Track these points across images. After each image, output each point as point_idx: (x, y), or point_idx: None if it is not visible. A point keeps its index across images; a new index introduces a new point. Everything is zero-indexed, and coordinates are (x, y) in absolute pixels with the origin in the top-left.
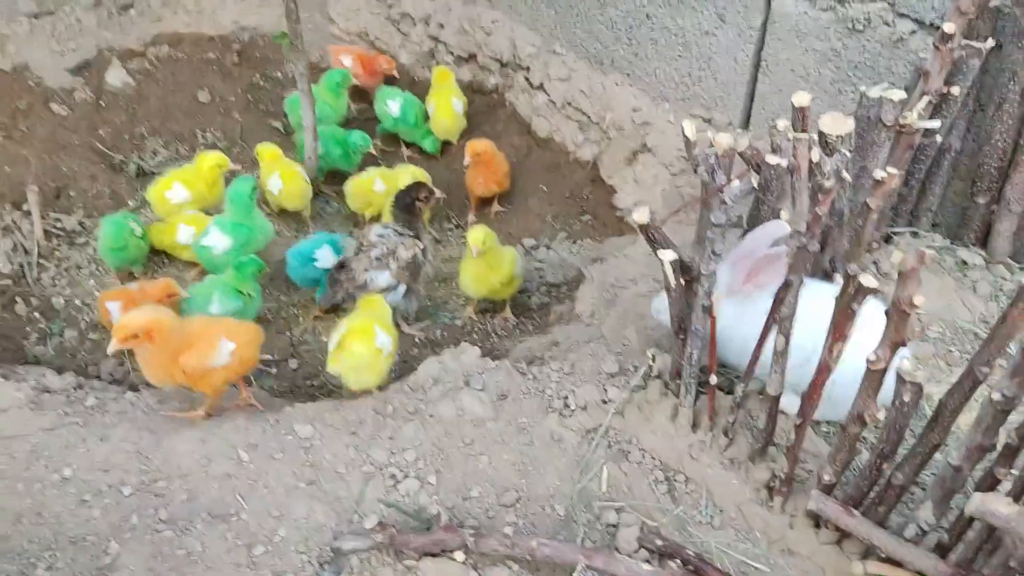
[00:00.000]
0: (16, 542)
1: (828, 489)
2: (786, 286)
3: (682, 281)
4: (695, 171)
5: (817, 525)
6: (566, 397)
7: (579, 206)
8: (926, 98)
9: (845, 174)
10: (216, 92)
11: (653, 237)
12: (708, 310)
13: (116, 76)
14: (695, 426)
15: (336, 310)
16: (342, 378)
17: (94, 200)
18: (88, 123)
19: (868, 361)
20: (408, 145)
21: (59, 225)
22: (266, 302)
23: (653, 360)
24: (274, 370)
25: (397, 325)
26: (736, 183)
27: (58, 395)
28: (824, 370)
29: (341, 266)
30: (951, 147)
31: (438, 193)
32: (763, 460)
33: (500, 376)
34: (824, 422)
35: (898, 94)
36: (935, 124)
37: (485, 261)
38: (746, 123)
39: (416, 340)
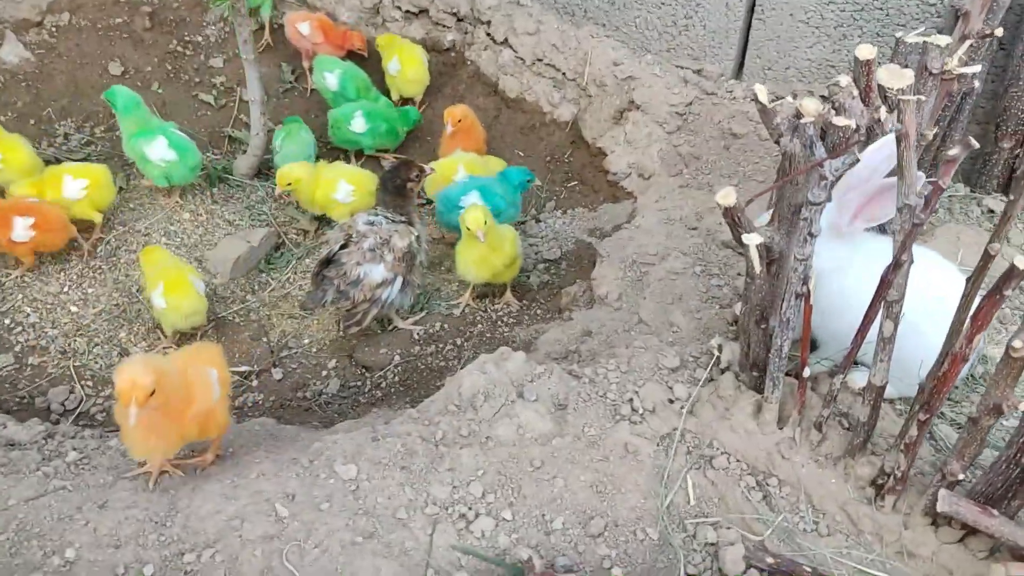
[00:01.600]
0: None
1: (953, 486)
2: (896, 266)
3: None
4: (777, 142)
5: (935, 523)
6: (630, 400)
7: (563, 171)
8: (968, 41)
9: (927, 132)
10: (129, 63)
11: (737, 220)
12: (803, 297)
13: (12, 51)
14: (780, 422)
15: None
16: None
17: (4, 196)
18: None
19: (1012, 348)
20: None
21: None
22: (232, 304)
23: (719, 351)
24: (255, 382)
25: (390, 321)
26: (838, 159)
27: (28, 450)
28: (959, 361)
29: (328, 261)
30: (972, 90)
31: (428, 169)
32: (863, 455)
33: (553, 382)
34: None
35: (943, 39)
36: (976, 69)
37: (486, 242)
38: (738, 73)
39: (414, 336)
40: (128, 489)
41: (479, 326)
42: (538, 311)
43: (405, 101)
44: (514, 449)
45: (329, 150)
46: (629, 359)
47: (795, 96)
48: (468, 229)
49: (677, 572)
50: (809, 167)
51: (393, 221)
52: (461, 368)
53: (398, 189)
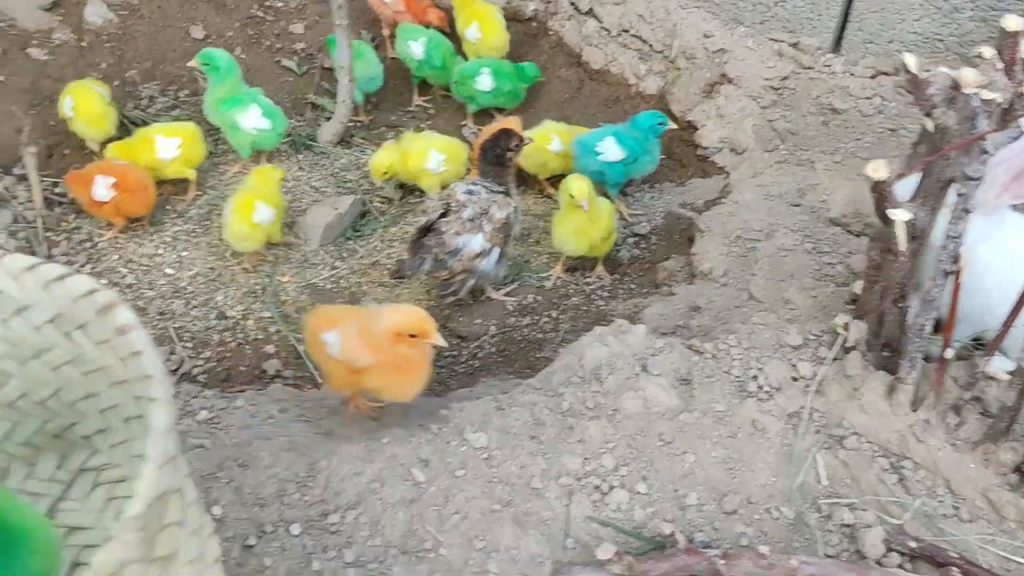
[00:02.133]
0: None
1: None
2: None
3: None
4: (928, 115)
5: None
6: (755, 377)
7: None
8: None
9: None
10: (211, 27)
11: (884, 195)
12: (953, 275)
13: (96, 12)
14: (915, 404)
15: (404, 277)
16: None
17: (92, 158)
18: (73, 69)
19: None
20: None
21: (59, 190)
22: (323, 271)
23: (845, 329)
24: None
25: (482, 291)
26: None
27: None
28: None
29: (428, 229)
30: None
31: (528, 139)
32: (1006, 440)
33: (674, 357)
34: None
35: None
36: None
37: (588, 212)
38: (836, 47)
39: (508, 307)
40: (265, 449)
41: (573, 299)
42: (631, 285)
43: None
44: (642, 422)
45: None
46: (749, 335)
47: (905, 69)
48: (572, 197)
49: (815, 551)
50: (970, 140)
51: (492, 191)
52: (560, 340)
53: (498, 159)
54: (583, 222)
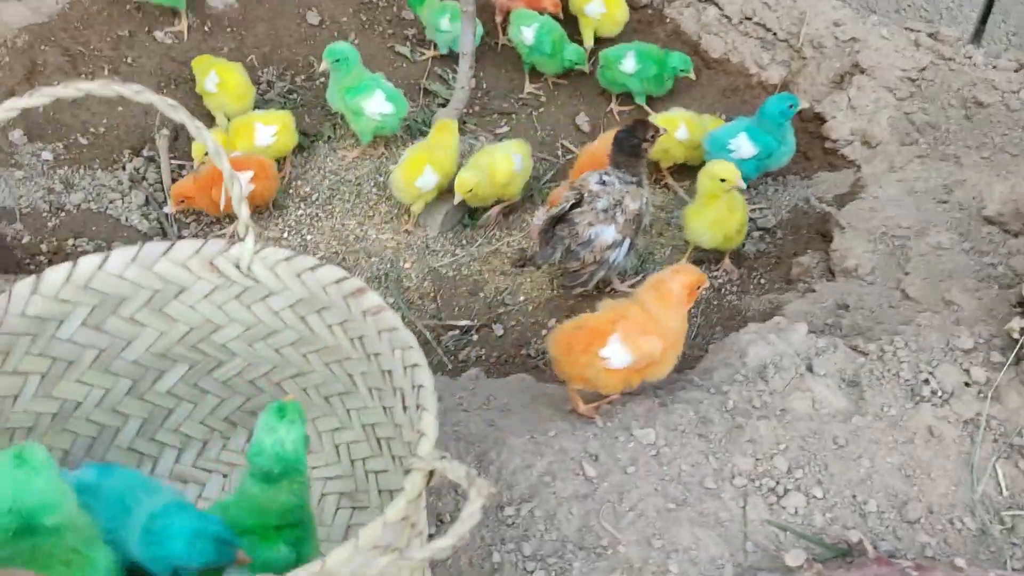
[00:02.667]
0: None
1: None
2: None
3: None
4: None
5: None
6: (926, 381)
7: None
8: None
9: None
10: (326, 12)
11: None
12: None
13: None
14: None
15: (526, 266)
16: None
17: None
18: (197, 52)
19: None
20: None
21: (184, 172)
22: (444, 258)
23: (1022, 334)
24: (475, 337)
25: (607, 283)
26: None
27: None
28: None
29: (559, 220)
30: None
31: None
32: None
33: (839, 357)
34: None
35: None
36: None
37: (725, 203)
38: (976, 38)
39: None
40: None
41: (702, 293)
42: (761, 280)
43: (600, 43)
44: (813, 424)
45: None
46: (916, 337)
47: None
48: (722, 182)
49: (1003, 564)
50: None
51: (625, 182)
52: (693, 335)
53: (633, 149)
54: (721, 212)
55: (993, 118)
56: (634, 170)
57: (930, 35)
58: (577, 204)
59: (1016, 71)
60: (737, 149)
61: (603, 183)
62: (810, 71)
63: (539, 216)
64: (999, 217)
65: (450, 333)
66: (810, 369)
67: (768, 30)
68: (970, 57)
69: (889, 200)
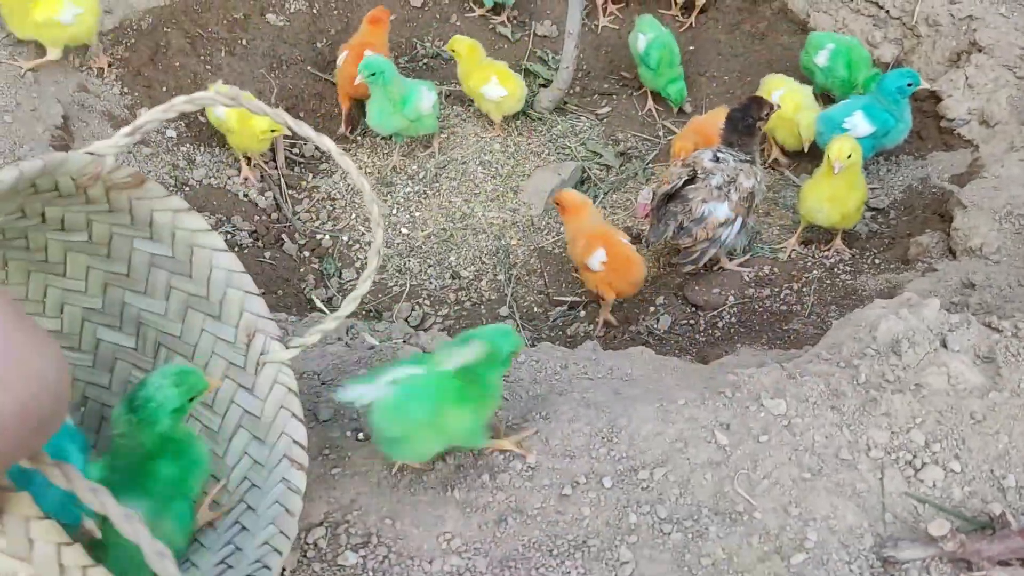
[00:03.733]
0: None
1: None
2: None
3: None
4: None
5: None
6: None
7: None
8: None
9: None
10: None
11: None
12: None
13: None
14: None
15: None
16: None
17: (325, 121)
18: (307, 35)
19: None
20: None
21: (296, 151)
22: (547, 236)
23: None
24: (583, 313)
25: (715, 261)
26: None
27: None
28: None
29: (672, 196)
30: None
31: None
32: None
33: (972, 333)
34: None
35: None
36: None
37: (845, 179)
38: None
39: (744, 278)
40: (564, 404)
41: (814, 271)
42: (875, 260)
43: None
44: (949, 399)
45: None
46: None
47: None
48: (828, 158)
49: None
50: None
51: (740, 160)
52: (808, 314)
53: (748, 128)
54: (841, 188)
55: None
56: (748, 148)
57: None
58: (691, 181)
59: None
60: (853, 128)
61: (717, 160)
62: (924, 49)
63: (644, 195)
64: None
65: (557, 309)
66: (944, 345)
67: (880, 7)
68: None
69: (1012, 179)
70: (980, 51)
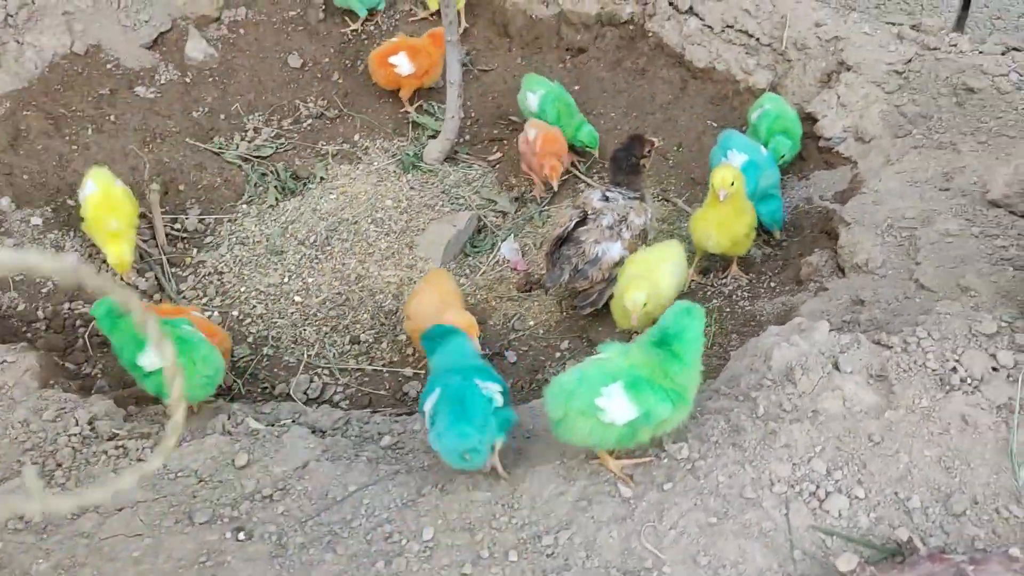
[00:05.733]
0: None
1: None
2: None
3: None
4: None
5: None
6: (954, 369)
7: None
8: None
9: None
10: (307, 55)
11: None
12: None
13: (196, 48)
14: None
15: (532, 290)
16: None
17: (207, 193)
18: (180, 105)
19: None
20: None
21: (178, 226)
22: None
23: None
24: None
25: (592, 304)
26: None
27: (338, 436)
28: None
29: (565, 240)
30: None
31: (657, 140)
32: None
33: (863, 352)
34: None
35: None
36: None
37: (731, 206)
38: (960, 26)
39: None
40: (462, 473)
41: (714, 301)
42: (771, 283)
43: None
44: (846, 423)
45: None
46: (937, 326)
47: None
48: (713, 187)
49: None
50: None
51: (629, 198)
52: (710, 344)
53: (632, 166)
54: (729, 215)
55: (985, 103)
56: (635, 186)
57: (913, 27)
58: (582, 223)
59: (1003, 54)
60: (734, 158)
61: (606, 199)
62: (796, 73)
63: (509, 250)
64: (1005, 200)
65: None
66: (836, 367)
67: (751, 36)
68: (955, 45)
69: (890, 192)
70: (849, 70)
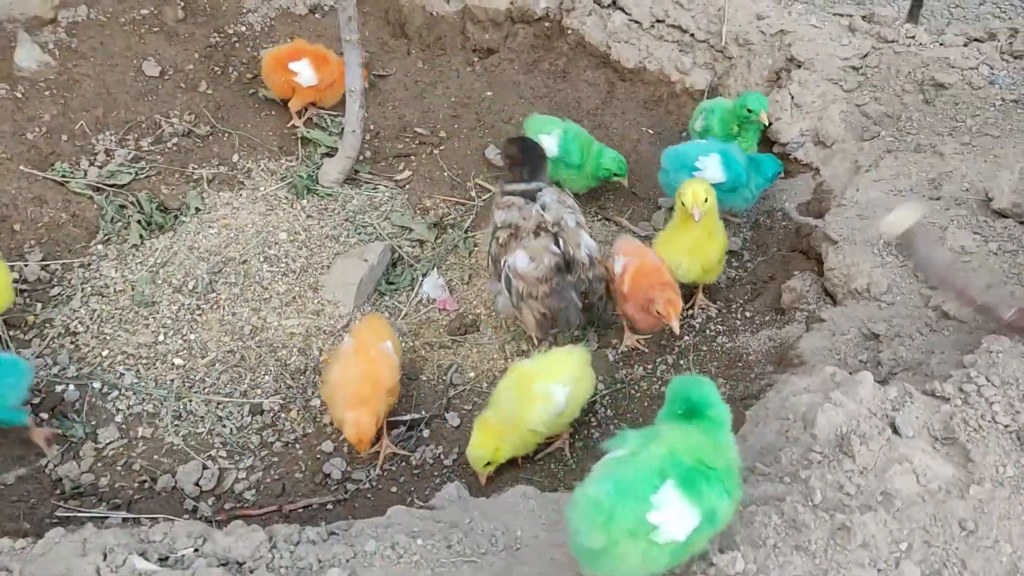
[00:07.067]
0: None
1: None
2: None
3: None
4: None
5: None
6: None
7: None
8: None
9: None
10: (167, 61)
11: None
12: None
13: (28, 56)
14: None
15: (467, 333)
16: None
17: (51, 232)
18: (11, 126)
19: None
20: None
21: (17, 277)
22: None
23: None
24: (426, 432)
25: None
26: None
27: (262, 569)
28: None
29: (566, 266)
30: None
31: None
32: None
33: (919, 409)
34: None
35: None
36: None
37: (703, 228)
38: (913, 17)
39: (609, 358)
40: None
41: (685, 337)
42: (745, 313)
43: None
44: (927, 507)
45: None
46: (992, 367)
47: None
48: (683, 206)
49: None
50: None
51: (553, 192)
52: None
53: (541, 156)
54: (701, 238)
55: (958, 99)
56: (542, 175)
57: (864, 18)
58: (556, 240)
59: (965, 45)
60: (706, 170)
61: (544, 206)
62: (740, 71)
63: (432, 287)
64: (1014, 208)
65: (395, 431)
66: (896, 431)
67: (685, 31)
68: (913, 37)
69: (874, 204)
70: (800, 67)
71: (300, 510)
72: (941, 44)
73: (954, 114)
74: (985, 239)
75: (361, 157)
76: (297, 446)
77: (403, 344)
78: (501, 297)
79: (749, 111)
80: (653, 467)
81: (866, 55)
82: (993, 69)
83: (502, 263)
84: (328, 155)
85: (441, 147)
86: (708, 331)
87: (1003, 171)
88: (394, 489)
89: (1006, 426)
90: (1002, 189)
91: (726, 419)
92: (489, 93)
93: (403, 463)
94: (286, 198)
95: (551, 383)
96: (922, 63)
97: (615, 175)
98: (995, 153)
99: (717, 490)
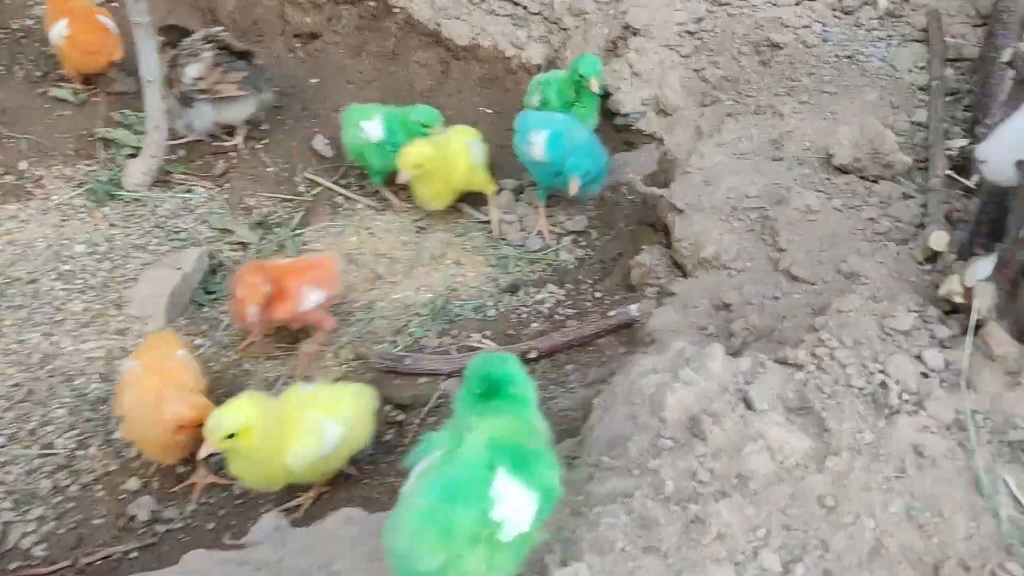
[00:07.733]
0: None
1: None
2: None
3: None
4: None
5: None
6: (883, 384)
7: None
8: None
9: None
10: None
11: None
12: None
13: None
14: None
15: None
16: None
17: None
18: None
19: None
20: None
21: None
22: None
23: (966, 297)
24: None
25: None
26: None
27: None
28: None
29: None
30: None
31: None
32: None
33: (772, 379)
34: None
35: None
36: None
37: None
38: None
39: (451, 351)
40: None
41: (533, 325)
42: (596, 293)
43: None
44: (784, 486)
45: None
46: (843, 328)
47: None
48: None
49: None
50: None
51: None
52: (563, 391)
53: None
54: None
55: (793, 59)
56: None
57: None
58: None
59: (797, 3)
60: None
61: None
62: (576, 43)
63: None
64: (855, 163)
65: (213, 458)
66: (749, 405)
67: (517, 4)
68: None
69: (719, 168)
70: (636, 34)
71: (99, 562)
72: (774, 4)
73: (791, 74)
74: (829, 196)
75: (173, 156)
76: (97, 486)
77: (222, 359)
78: None
79: (581, 76)
80: (480, 460)
81: (701, 19)
82: (826, 26)
83: None
84: (132, 156)
85: (264, 140)
86: (555, 316)
87: (841, 127)
88: (211, 525)
89: (860, 389)
90: (842, 145)
91: (531, 396)
92: (314, 80)
93: (224, 493)
94: (83, 207)
95: (326, 418)
96: (756, 24)
97: (425, 126)
98: (832, 110)
99: (544, 465)
